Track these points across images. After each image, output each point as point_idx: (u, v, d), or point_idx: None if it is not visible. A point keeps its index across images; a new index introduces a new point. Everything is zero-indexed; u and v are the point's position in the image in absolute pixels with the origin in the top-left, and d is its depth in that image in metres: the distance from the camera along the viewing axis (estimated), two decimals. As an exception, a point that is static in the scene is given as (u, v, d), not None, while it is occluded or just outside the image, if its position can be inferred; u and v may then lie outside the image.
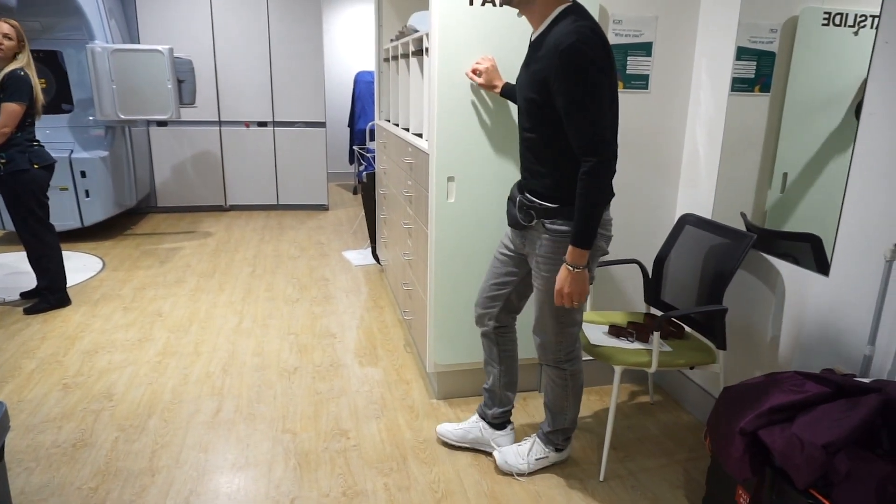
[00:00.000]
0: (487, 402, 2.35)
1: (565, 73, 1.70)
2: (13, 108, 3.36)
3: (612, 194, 1.92)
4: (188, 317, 3.62)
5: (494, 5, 2.29)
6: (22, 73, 3.38)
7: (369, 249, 4.77)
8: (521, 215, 2.00)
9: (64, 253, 3.81)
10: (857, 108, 1.88)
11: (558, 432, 2.21)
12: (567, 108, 1.74)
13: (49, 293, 3.69)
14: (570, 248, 1.82)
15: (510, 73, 2.32)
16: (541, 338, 2.08)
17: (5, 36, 3.33)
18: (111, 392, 2.75)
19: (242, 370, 2.98)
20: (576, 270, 1.83)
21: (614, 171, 1.79)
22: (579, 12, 1.77)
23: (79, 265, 4.53)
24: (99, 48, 4.74)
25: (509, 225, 2.12)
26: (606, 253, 2.01)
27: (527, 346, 2.53)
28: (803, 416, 1.53)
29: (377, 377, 2.94)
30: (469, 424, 2.38)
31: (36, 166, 3.51)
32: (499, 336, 2.27)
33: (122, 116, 4.84)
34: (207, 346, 3.24)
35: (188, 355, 3.12)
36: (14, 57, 3.39)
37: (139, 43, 5.81)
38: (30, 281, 4.03)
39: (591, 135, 1.72)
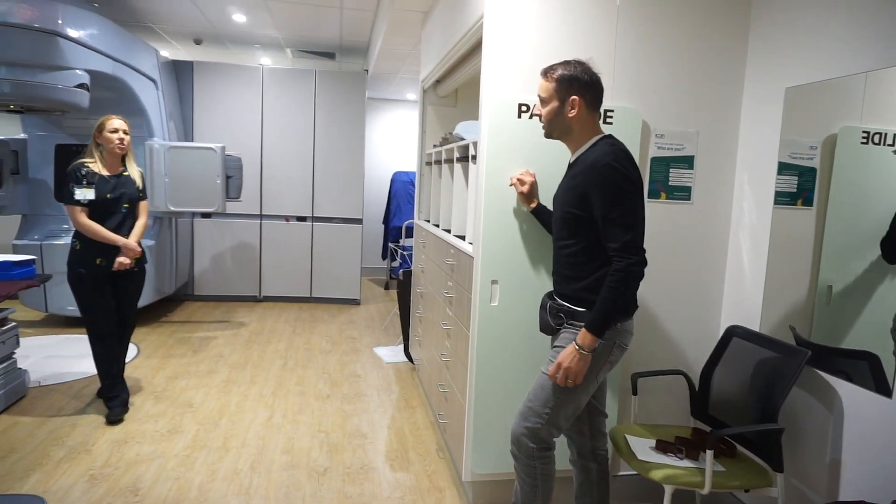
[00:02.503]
0: None
1: (603, 186, 1.89)
2: (148, 204, 3.56)
3: (636, 306, 2.04)
4: (219, 409, 3.59)
5: (541, 119, 2.40)
6: None
7: (401, 347, 4.74)
8: (552, 319, 2.11)
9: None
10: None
11: None
12: (605, 216, 1.90)
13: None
14: (582, 331, 1.92)
15: (551, 181, 2.36)
16: (525, 420, 2.03)
17: (125, 132, 3.35)
18: (137, 486, 2.69)
19: (271, 468, 2.90)
20: (581, 352, 1.91)
21: (643, 275, 1.90)
22: (613, 140, 1.99)
23: (114, 351, 4.57)
24: (157, 145, 5.03)
25: (542, 331, 2.21)
26: (614, 364, 2.06)
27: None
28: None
29: (409, 483, 2.82)
30: None
31: None
32: (596, 453, 2.23)
33: (172, 208, 5.06)
34: (237, 440, 3.18)
35: (217, 450, 3.06)
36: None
37: (193, 140, 6.16)
38: (65, 365, 4.07)
39: (627, 240, 1.87)
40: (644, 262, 1.89)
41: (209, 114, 6.24)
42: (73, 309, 4.97)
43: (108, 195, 3.27)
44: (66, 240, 4.93)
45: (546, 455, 2.04)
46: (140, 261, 3.45)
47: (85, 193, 3.21)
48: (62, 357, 4.37)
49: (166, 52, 6.51)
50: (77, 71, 4.13)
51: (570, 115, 1.98)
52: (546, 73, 2.02)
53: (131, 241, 3.33)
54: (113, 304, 3.37)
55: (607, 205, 1.88)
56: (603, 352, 1.99)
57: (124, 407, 3.42)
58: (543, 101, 2.03)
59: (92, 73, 4.28)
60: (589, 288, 1.99)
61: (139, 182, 3.43)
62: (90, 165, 3.29)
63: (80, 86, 4.15)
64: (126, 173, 3.38)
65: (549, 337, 2.20)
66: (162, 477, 2.77)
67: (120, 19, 5.25)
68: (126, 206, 3.34)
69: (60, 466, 2.83)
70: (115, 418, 3.33)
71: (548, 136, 2.09)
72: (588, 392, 2.04)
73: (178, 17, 5.49)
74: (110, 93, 4.78)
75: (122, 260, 3.28)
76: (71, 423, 3.31)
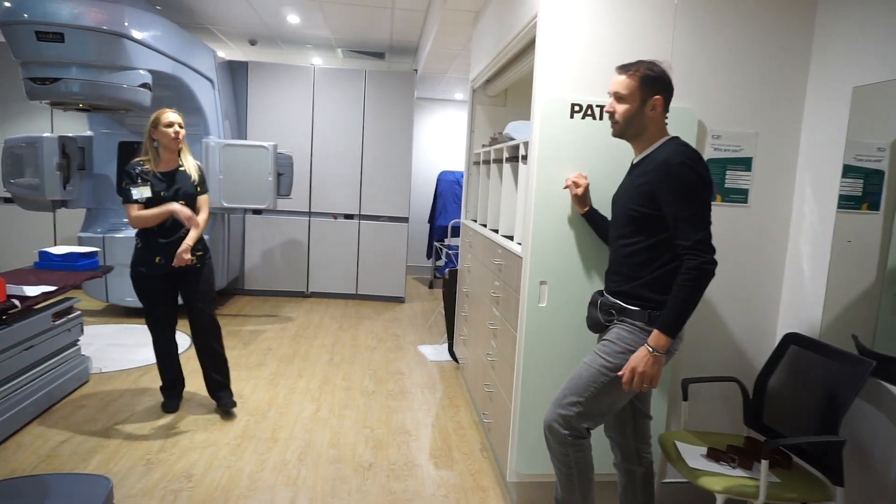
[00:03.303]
0: None
1: (675, 184, 1.89)
2: (209, 199, 3.43)
3: None
4: (267, 401, 3.68)
5: (594, 119, 2.38)
6: None
7: (446, 345, 4.76)
8: (602, 316, 2.10)
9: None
10: None
11: None
12: (676, 214, 1.89)
13: (229, 387, 3.52)
14: (655, 332, 1.89)
15: (603, 183, 2.35)
16: (558, 407, 2.02)
17: (181, 125, 3.25)
18: (191, 472, 2.78)
19: (318, 461, 2.96)
20: (655, 354, 1.89)
21: (714, 274, 1.87)
22: (681, 141, 2.00)
23: (169, 342, 4.73)
24: (213, 142, 5.19)
25: (590, 328, 2.20)
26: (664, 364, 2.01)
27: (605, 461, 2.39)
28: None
29: (453, 482, 2.84)
30: None
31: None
32: (641, 456, 2.21)
33: (225, 205, 5.20)
34: (284, 432, 3.25)
35: (266, 441, 3.14)
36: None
37: (247, 138, 6.33)
38: (124, 353, 4.25)
39: (700, 238, 1.86)
40: (715, 262, 1.86)
41: (262, 112, 6.39)
42: (131, 300, 5.17)
43: (163, 193, 3.20)
44: (127, 233, 5.13)
45: (579, 443, 2.02)
46: (201, 257, 3.36)
47: (142, 192, 3.16)
48: (122, 345, 4.55)
49: (222, 53, 6.71)
50: (140, 71, 4.29)
51: (649, 115, 1.98)
52: (627, 70, 1.99)
53: (191, 234, 3.23)
54: (167, 305, 3.36)
55: (679, 202, 1.87)
56: None
57: (179, 397, 3.54)
58: (622, 99, 2.00)
59: (154, 73, 4.44)
60: (646, 286, 1.98)
61: (195, 176, 3.32)
62: (145, 164, 3.22)
63: (143, 85, 4.32)
64: (182, 168, 3.29)
65: (597, 336, 2.19)
66: (214, 465, 2.86)
67: (180, 21, 5.43)
68: (182, 203, 3.24)
69: (120, 450, 2.95)
70: (170, 407, 3.45)
71: (619, 134, 2.06)
72: (628, 391, 2.01)
73: (235, 19, 5.65)
74: (169, 91, 4.95)
75: (185, 256, 3.19)
76: (129, 409, 3.45)
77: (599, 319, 2.12)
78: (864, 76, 2.22)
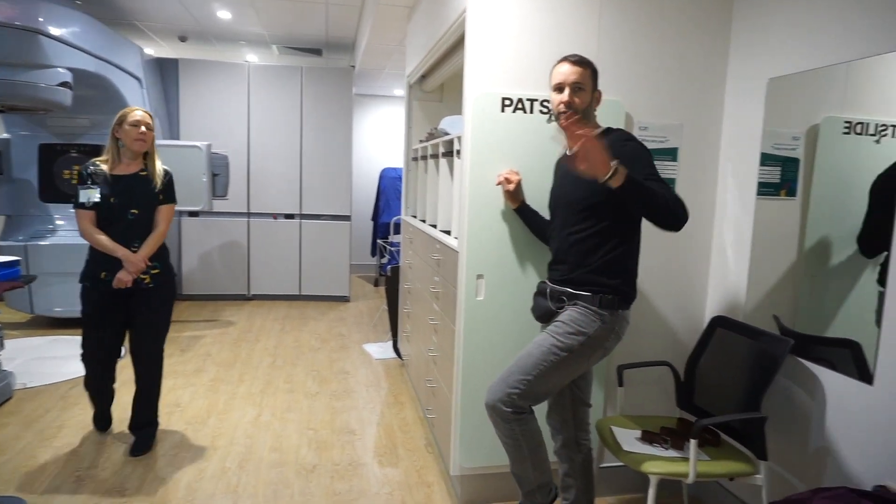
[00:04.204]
0: None
1: (634, 154, 1.94)
2: (173, 209, 3.02)
3: (635, 296, 2.07)
4: (206, 408, 3.57)
5: (525, 112, 2.40)
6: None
7: (390, 343, 4.73)
8: (553, 304, 2.12)
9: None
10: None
11: (532, 493, 2.15)
12: (645, 177, 1.88)
13: (155, 425, 3.16)
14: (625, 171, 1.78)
15: (533, 176, 2.40)
16: (505, 385, 2.03)
17: (148, 127, 2.88)
18: (124, 486, 2.67)
19: (259, 466, 2.89)
20: (612, 162, 1.76)
21: (680, 225, 1.87)
22: (615, 128, 2.12)
23: (101, 352, 4.53)
24: (142, 143, 4.99)
25: (537, 319, 2.22)
26: (607, 353, 2.09)
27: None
28: (861, 540, 1.43)
29: (397, 479, 2.82)
30: None
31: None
32: (580, 443, 2.24)
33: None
34: (224, 439, 3.16)
35: (204, 449, 3.05)
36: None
37: (179, 138, 6.11)
38: (51, 366, 4.04)
39: (671, 191, 1.91)
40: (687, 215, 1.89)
41: (195, 112, 6.19)
42: (60, 310, 4.94)
43: (112, 199, 2.82)
44: (53, 240, 4.89)
45: (522, 417, 2.04)
46: (157, 276, 2.94)
47: (89, 195, 2.79)
48: (49, 358, 4.32)
49: (151, 50, 6.46)
50: (59, 69, 4.09)
51: (594, 107, 2.09)
52: (580, 61, 2.04)
53: (139, 253, 2.85)
54: (114, 328, 2.98)
55: (646, 166, 1.93)
56: (601, 337, 2.02)
57: (109, 414, 3.27)
58: (582, 89, 2.03)
59: (75, 72, 4.24)
60: (596, 271, 2.02)
61: (157, 182, 2.91)
62: (101, 164, 2.87)
63: (63, 84, 4.11)
64: (144, 173, 2.90)
65: (539, 326, 2.21)
66: (149, 477, 2.76)
67: (103, 17, 5.19)
68: (134, 211, 2.86)
69: (47, 468, 2.81)
70: (102, 424, 3.25)
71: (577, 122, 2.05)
72: (575, 371, 2.06)
73: (163, 15, 5.44)
74: (94, 91, 4.73)
75: (121, 277, 2.82)
76: (58, 424, 3.28)
77: (550, 308, 2.13)
78: (778, 68, 2.33)
